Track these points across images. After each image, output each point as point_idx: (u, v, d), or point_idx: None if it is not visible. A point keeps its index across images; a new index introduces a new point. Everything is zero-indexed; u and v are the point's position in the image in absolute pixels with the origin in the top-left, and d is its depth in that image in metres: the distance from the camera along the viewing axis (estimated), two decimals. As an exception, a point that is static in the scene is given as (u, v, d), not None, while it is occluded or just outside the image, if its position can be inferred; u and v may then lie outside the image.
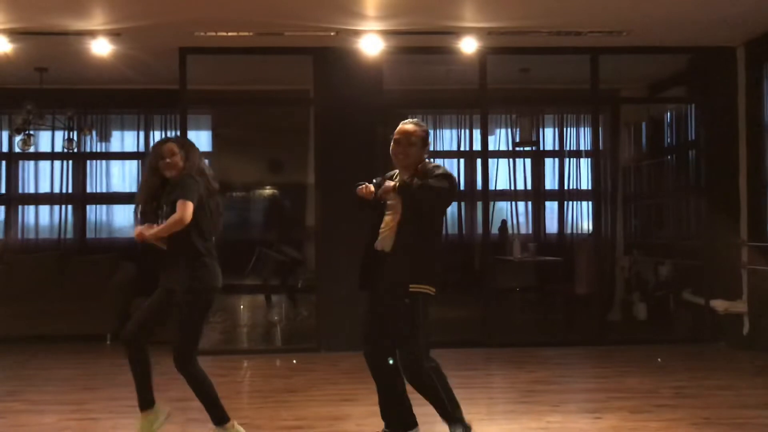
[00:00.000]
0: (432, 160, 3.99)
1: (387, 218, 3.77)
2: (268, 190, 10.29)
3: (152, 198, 4.00)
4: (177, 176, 3.92)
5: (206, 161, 4.19)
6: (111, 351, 7.10)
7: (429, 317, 3.75)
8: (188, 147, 4.04)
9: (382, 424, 4.32)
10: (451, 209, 10.51)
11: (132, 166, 9.53)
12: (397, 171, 3.90)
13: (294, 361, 6.39)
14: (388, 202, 3.75)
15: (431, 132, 10.11)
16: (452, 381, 5.59)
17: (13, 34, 6.09)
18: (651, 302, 8.14)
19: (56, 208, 9.20)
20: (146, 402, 4.09)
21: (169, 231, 3.81)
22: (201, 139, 9.59)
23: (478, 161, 7.61)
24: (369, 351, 3.86)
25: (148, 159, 4.12)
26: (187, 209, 3.78)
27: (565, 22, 6.21)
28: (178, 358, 3.97)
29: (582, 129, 10.16)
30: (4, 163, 9.11)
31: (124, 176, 9.53)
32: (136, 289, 7.60)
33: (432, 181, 3.63)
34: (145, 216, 3.98)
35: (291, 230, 8.99)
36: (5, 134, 9.01)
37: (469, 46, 6.49)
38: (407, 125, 3.83)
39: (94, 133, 9.04)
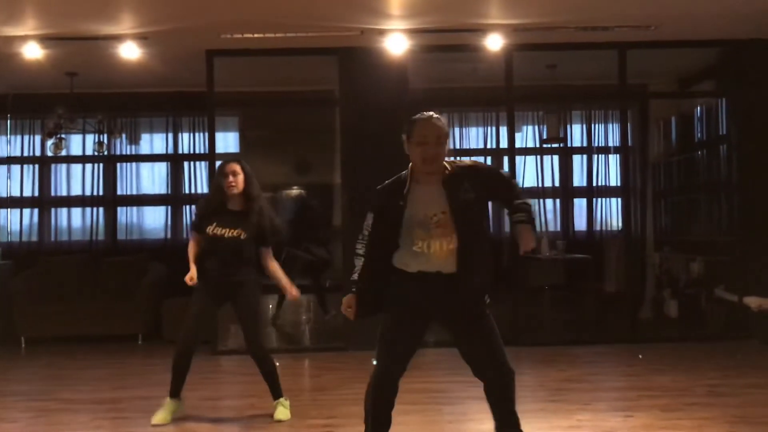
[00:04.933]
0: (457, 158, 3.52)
1: (435, 243, 3.17)
2: (295, 191, 10.34)
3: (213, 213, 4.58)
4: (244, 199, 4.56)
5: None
6: (143, 351, 7.20)
7: None
8: (248, 168, 4.65)
9: (410, 423, 4.32)
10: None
11: (161, 167, 9.64)
12: (403, 174, 3.32)
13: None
14: (435, 222, 3.17)
15: (458, 130, 10.28)
16: (481, 380, 5.61)
17: (45, 40, 6.19)
18: (682, 299, 8.03)
19: (88, 210, 9.34)
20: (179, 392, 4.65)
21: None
22: (228, 140, 9.67)
23: (505, 159, 7.57)
24: (398, 371, 3.47)
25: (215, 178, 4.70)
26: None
27: (592, 17, 6.15)
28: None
29: (610, 125, 10.05)
30: (36, 166, 9.27)
31: (153, 178, 9.64)
32: (166, 289, 7.68)
33: (509, 188, 3.28)
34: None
35: (318, 230, 9.02)
36: (38, 138, 9.17)
37: (494, 43, 6.46)
38: (438, 122, 3.24)
39: (123, 136, 9.16)
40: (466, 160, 3.39)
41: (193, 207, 9.47)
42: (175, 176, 9.54)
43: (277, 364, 4.73)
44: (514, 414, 3.33)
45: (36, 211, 9.29)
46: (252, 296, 4.64)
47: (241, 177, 4.53)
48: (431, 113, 3.28)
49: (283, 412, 4.60)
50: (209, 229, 4.52)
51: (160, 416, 4.51)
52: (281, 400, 4.66)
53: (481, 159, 10.33)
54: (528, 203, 3.23)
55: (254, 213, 4.57)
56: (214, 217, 4.54)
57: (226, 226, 4.52)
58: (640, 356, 6.37)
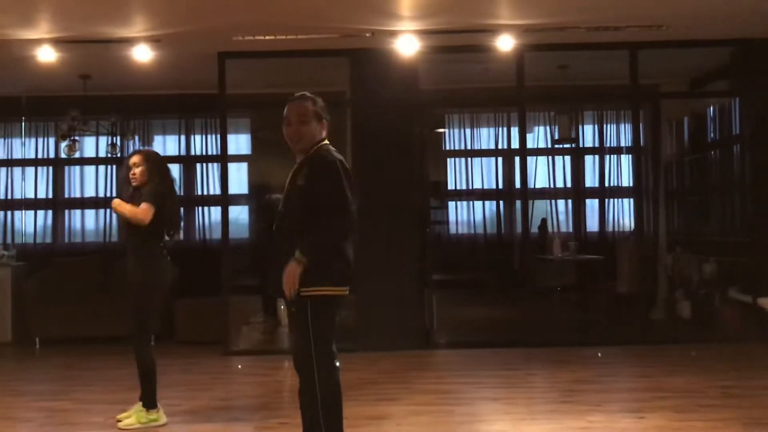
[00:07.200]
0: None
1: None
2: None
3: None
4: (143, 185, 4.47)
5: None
6: (155, 351, 7.20)
7: None
8: (152, 159, 4.58)
9: (422, 423, 4.33)
10: (491, 207, 10.49)
11: (173, 169, 9.65)
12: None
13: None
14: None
15: (469, 131, 10.28)
16: (492, 380, 5.62)
17: (58, 43, 6.24)
18: (695, 300, 7.98)
19: (101, 211, 9.39)
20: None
21: (131, 217, 4.38)
22: (240, 142, 9.71)
23: (517, 159, 7.58)
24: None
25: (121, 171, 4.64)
26: (148, 212, 4.37)
27: (604, 17, 6.12)
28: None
29: (622, 125, 10.03)
30: (50, 168, 9.35)
31: (166, 180, 9.68)
32: (178, 290, 7.71)
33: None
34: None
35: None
36: (51, 141, 9.25)
37: (505, 43, 6.45)
38: (301, 100, 3.36)
39: (136, 138, 9.21)
40: (331, 152, 3.27)
41: (206, 209, 9.56)
42: (188, 178, 9.58)
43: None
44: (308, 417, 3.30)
45: (50, 212, 9.37)
46: None
47: (140, 168, 4.49)
48: (303, 94, 3.38)
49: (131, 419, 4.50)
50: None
51: (130, 420, 4.49)
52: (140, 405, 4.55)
53: (492, 160, 10.35)
54: (320, 242, 3.14)
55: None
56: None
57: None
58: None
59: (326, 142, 3.34)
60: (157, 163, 4.59)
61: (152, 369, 4.53)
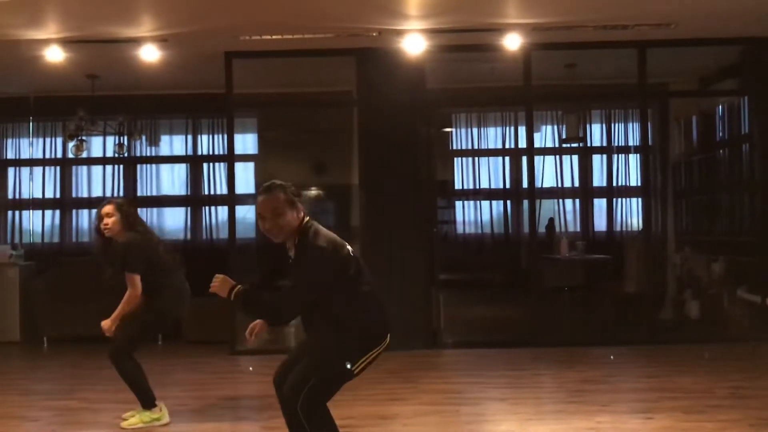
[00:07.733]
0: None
1: None
2: (313, 191, 10.36)
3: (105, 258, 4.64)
4: (117, 237, 4.54)
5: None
6: (163, 351, 7.25)
7: None
8: (125, 209, 4.58)
9: (428, 423, 4.32)
10: (498, 207, 10.47)
11: (181, 169, 9.71)
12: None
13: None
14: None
15: (476, 131, 10.26)
16: (499, 381, 5.61)
17: (66, 43, 6.26)
18: (704, 300, 7.95)
19: (108, 211, 9.42)
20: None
21: (129, 307, 4.59)
22: (247, 141, 9.71)
23: (524, 159, 7.54)
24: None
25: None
26: (136, 282, 4.53)
27: (611, 15, 6.10)
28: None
29: (630, 124, 9.99)
30: (58, 168, 9.38)
31: (173, 179, 9.72)
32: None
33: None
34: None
35: (336, 230, 9.01)
36: (59, 140, 9.29)
37: (513, 42, 6.43)
38: (270, 194, 3.25)
39: (143, 137, 9.24)
40: (320, 235, 3.24)
41: (213, 208, 9.57)
42: (195, 177, 9.60)
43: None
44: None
45: (58, 212, 9.40)
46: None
47: (113, 219, 4.53)
48: (271, 183, 3.27)
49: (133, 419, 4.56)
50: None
51: (134, 420, 4.54)
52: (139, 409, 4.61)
53: (499, 159, 10.33)
54: (273, 304, 3.32)
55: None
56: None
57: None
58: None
59: (307, 219, 3.27)
60: (128, 214, 4.61)
61: (134, 374, 4.60)
